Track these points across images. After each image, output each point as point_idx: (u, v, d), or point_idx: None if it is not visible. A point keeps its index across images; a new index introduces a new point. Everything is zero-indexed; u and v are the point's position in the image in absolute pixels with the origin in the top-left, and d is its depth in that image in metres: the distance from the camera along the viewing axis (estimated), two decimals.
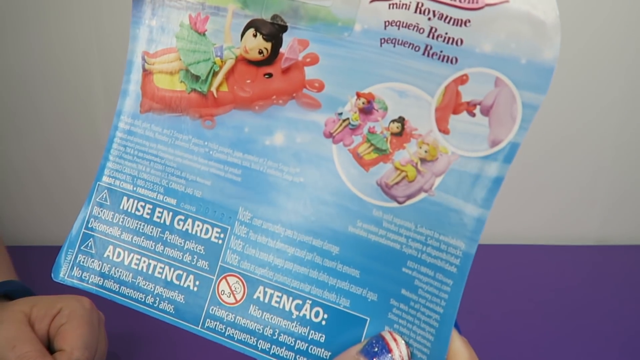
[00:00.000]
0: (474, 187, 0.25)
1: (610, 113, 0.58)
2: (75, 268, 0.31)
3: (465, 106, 0.25)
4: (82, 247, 0.32)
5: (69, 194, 0.57)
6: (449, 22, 0.24)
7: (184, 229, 0.30)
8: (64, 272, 0.32)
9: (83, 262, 0.31)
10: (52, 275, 0.32)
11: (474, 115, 0.24)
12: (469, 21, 0.24)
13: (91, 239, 0.32)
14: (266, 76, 0.29)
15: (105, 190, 0.32)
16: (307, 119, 0.28)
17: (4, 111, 0.55)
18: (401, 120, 0.26)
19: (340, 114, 0.27)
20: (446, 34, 0.24)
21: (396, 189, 0.27)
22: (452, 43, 0.24)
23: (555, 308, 0.50)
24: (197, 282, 0.30)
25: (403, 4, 0.25)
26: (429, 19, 0.25)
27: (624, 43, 0.55)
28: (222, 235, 0.30)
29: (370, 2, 0.26)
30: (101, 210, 0.32)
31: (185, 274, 0.30)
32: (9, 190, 0.57)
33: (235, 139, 0.30)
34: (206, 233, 0.30)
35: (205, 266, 0.30)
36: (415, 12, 0.25)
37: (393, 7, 0.25)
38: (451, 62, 0.25)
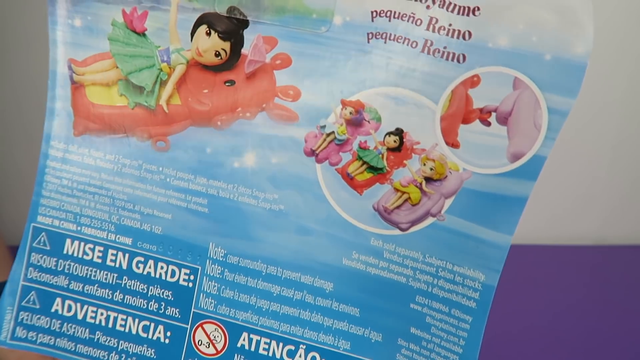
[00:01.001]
0: (493, 209, 0.21)
1: (610, 113, 0.56)
2: (18, 328, 0.26)
3: (478, 114, 0.20)
4: (22, 303, 0.26)
5: None
6: (452, 11, 0.19)
7: (145, 273, 0.25)
8: (5, 334, 0.26)
9: (26, 319, 0.26)
10: None
11: (488, 124, 0.20)
12: (478, 9, 0.19)
13: (33, 292, 0.26)
14: (227, 84, 0.24)
15: (43, 233, 0.26)
16: (283, 134, 0.23)
17: (4, 111, 0.51)
18: (399, 132, 0.21)
19: (323, 127, 0.22)
20: (450, 25, 0.20)
21: (397, 214, 0.22)
22: (457, 37, 0.20)
23: (555, 308, 0.49)
24: (169, 333, 0.25)
25: None
26: (428, 7, 0.20)
27: (624, 43, 0.53)
28: (192, 277, 0.25)
29: None
30: (41, 257, 0.26)
31: (152, 324, 0.26)
32: (9, 190, 0.54)
33: (196, 162, 0.24)
34: (172, 276, 0.25)
35: (175, 314, 0.25)
36: None
37: None
38: (458, 60, 0.20)
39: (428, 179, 0.21)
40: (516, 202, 0.20)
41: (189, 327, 0.25)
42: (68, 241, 0.26)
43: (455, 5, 0.19)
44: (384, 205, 0.22)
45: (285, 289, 0.24)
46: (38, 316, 0.26)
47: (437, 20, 0.20)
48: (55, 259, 0.26)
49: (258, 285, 0.25)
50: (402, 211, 0.22)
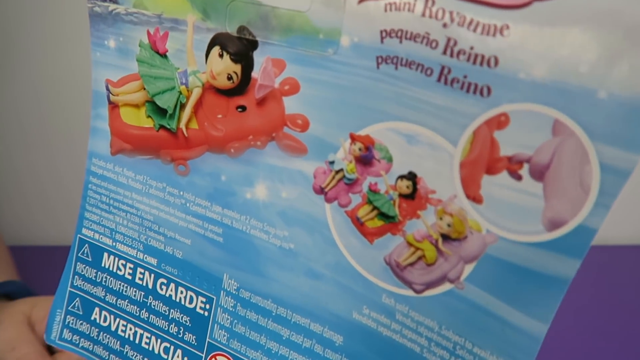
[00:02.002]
0: (523, 286, 0.16)
1: None
2: (65, 330, 0.28)
3: (506, 163, 0.15)
4: (69, 307, 0.28)
5: (70, 194, 0.55)
6: (475, 30, 0.15)
7: (167, 295, 0.25)
8: (55, 334, 0.28)
9: (72, 323, 0.28)
10: (45, 336, 0.29)
11: (519, 177, 0.15)
12: (507, 27, 0.14)
13: (77, 299, 0.28)
14: (239, 109, 0.22)
15: (86, 245, 0.27)
16: (292, 167, 0.21)
17: (5, 111, 0.54)
18: (412, 177, 0.18)
19: (332, 162, 0.19)
20: (471, 49, 0.15)
21: (410, 272, 0.18)
22: (481, 63, 0.15)
23: None
24: (186, 359, 0.25)
25: (405, 4, 0.16)
26: (445, 25, 0.15)
27: None
28: (207, 307, 0.24)
29: (360, 1, 0.17)
30: (84, 267, 0.27)
31: (172, 347, 0.25)
32: (9, 190, 0.57)
33: (212, 189, 0.23)
34: (190, 302, 0.25)
35: (192, 340, 0.25)
36: (424, 15, 0.16)
37: (391, 9, 0.16)
38: (481, 93, 0.15)
39: (445, 237, 0.17)
40: (554, 283, 0.15)
41: (203, 355, 0.25)
42: (105, 255, 0.27)
43: (478, 22, 0.15)
44: (396, 260, 0.19)
45: (294, 334, 0.22)
46: (81, 322, 0.28)
47: (455, 42, 0.15)
48: (95, 271, 0.27)
49: (268, 325, 0.23)
50: (415, 269, 0.18)
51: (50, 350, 0.33)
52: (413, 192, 0.18)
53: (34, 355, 0.30)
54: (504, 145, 0.15)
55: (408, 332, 0.19)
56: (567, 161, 0.14)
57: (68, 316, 0.28)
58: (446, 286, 0.18)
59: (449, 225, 0.17)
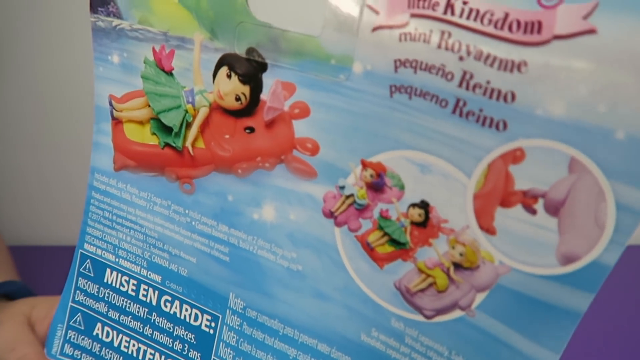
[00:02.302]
0: (535, 317, 0.16)
1: None
2: (66, 345, 0.28)
3: (521, 197, 0.16)
4: (71, 322, 0.28)
5: (69, 194, 0.56)
6: (492, 65, 0.15)
7: (171, 312, 0.25)
8: (56, 349, 0.28)
9: (73, 339, 0.28)
10: (46, 351, 0.28)
11: (534, 212, 0.15)
12: (525, 64, 0.14)
13: (79, 314, 0.27)
14: (247, 130, 0.22)
15: (88, 260, 0.27)
16: (301, 190, 0.21)
17: (5, 111, 0.53)
18: (424, 205, 0.18)
19: (342, 187, 0.19)
20: (488, 83, 0.15)
21: (421, 297, 0.19)
22: (497, 98, 0.15)
23: None
24: None
25: (421, 34, 0.16)
26: (461, 58, 0.15)
27: None
28: (212, 325, 0.24)
29: (373, 29, 0.17)
30: (86, 283, 0.27)
31: None
32: (9, 190, 0.57)
33: (219, 209, 0.23)
34: (195, 319, 0.25)
35: (197, 358, 0.25)
36: (440, 46, 0.16)
37: (406, 39, 0.16)
38: (497, 127, 0.15)
39: (457, 265, 0.17)
40: (567, 316, 0.16)
41: None
42: (108, 271, 0.27)
43: (495, 57, 0.15)
44: (407, 286, 0.19)
45: (301, 354, 0.22)
46: (83, 337, 0.27)
47: (472, 76, 0.15)
48: (97, 286, 0.27)
49: (275, 344, 0.23)
50: (426, 296, 0.18)
51: None
52: (425, 220, 0.18)
53: (34, 355, 0.30)
54: (519, 180, 0.15)
55: (417, 355, 0.19)
56: (583, 198, 0.14)
57: (69, 331, 0.28)
58: (457, 313, 0.18)
59: (461, 255, 0.17)
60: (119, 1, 0.23)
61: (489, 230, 0.16)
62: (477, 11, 0.15)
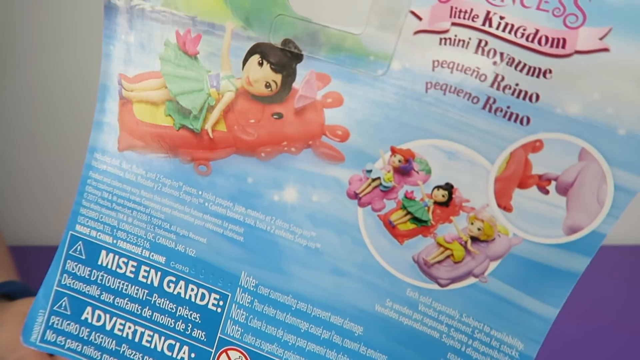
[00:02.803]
0: (541, 279, 0.20)
1: None
2: (48, 331, 0.27)
3: (536, 180, 0.19)
4: (54, 307, 0.27)
5: (69, 194, 0.54)
6: (521, 71, 0.18)
7: (175, 292, 0.25)
8: (36, 336, 0.27)
9: (57, 324, 0.27)
10: (22, 339, 0.27)
11: (547, 192, 0.19)
12: (550, 71, 0.18)
13: (65, 298, 0.27)
14: (275, 116, 0.23)
15: (80, 242, 0.26)
16: (326, 173, 0.22)
17: (5, 111, 0.51)
18: (449, 187, 0.21)
19: (370, 171, 0.22)
20: (517, 85, 0.18)
21: (438, 268, 0.21)
22: (524, 98, 0.18)
23: None
24: (193, 355, 0.25)
25: (460, 41, 0.19)
26: (495, 63, 0.19)
27: None
28: (221, 303, 0.25)
29: (415, 33, 0.20)
30: (76, 265, 0.26)
31: (178, 344, 0.26)
32: (9, 190, 0.55)
33: (236, 190, 0.24)
34: (202, 299, 0.25)
35: (201, 337, 0.25)
36: (476, 52, 0.19)
37: (445, 43, 0.19)
38: (521, 122, 0.19)
39: (474, 239, 0.20)
40: (567, 277, 0.19)
41: (213, 351, 0.25)
42: (103, 253, 0.26)
43: (525, 64, 0.18)
44: (425, 258, 0.21)
45: (313, 326, 0.24)
46: (68, 322, 0.27)
47: (503, 78, 0.19)
48: (89, 269, 0.26)
49: (286, 319, 0.24)
50: (442, 267, 0.21)
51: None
52: (448, 200, 0.21)
53: (34, 356, 0.29)
54: (536, 166, 0.19)
55: (429, 320, 0.22)
56: (588, 181, 0.18)
57: (52, 316, 0.27)
58: (470, 280, 0.21)
59: (479, 229, 0.20)
60: None
61: (506, 208, 0.20)
62: (512, 25, 0.18)
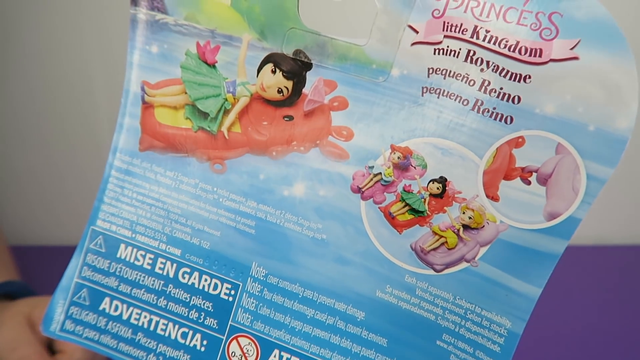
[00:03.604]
0: (525, 262, 0.22)
1: None
2: (67, 321, 0.28)
3: (520, 172, 0.22)
4: (74, 298, 0.28)
5: (69, 195, 0.56)
6: (505, 76, 0.21)
7: (189, 283, 0.27)
8: (55, 326, 0.28)
9: (76, 314, 0.28)
10: (42, 328, 0.28)
11: (529, 183, 0.22)
12: (530, 77, 0.21)
13: (84, 290, 0.28)
14: (286, 119, 0.26)
15: (100, 236, 0.28)
16: (332, 170, 0.25)
17: (5, 111, 0.52)
18: (442, 180, 0.23)
19: (372, 167, 0.24)
20: (501, 89, 0.21)
21: (433, 255, 0.24)
22: (507, 100, 0.21)
23: (553, 308, 0.49)
24: (205, 342, 0.27)
25: (451, 51, 0.22)
26: (482, 70, 0.21)
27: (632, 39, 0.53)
28: (232, 292, 0.27)
29: (412, 44, 0.22)
30: (96, 258, 0.28)
31: (191, 332, 0.27)
32: (9, 190, 0.55)
33: (249, 186, 0.26)
34: (215, 289, 0.27)
35: (213, 325, 0.27)
36: (466, 60, 0.22)
37: (439, 53, 0.22)
38: (505, 121, 0.21)
39: (466, 227, 0.23)
40: (548, 258, 0.22)
41: (224, 338, 0.27)
42: (122, 246, 0.28)
43: (508, 71, 0.21)
44: (421, 246, 0.24)
45: (319, 312, 0.26)
46: (87, 312, 0.28)
47: (489, 83, 0.21)
48: (108, 261, 0.28)
49: (294, 306, 0.26)
50: (438, 253, 0.24)
51: (51, 351, 0.32)
52: (442, 192, 0.23)
53: (34, 356, 0.30)
54: (519, 159, 0.21)
55: (425, 304, 0.24)
56: (564, 172, 0.21)
57: (72, 307, 0.28)
58: (463, 265, 0.23)
59: (470, 218, 0.23)
60: None
61: (493, 198, 0.22)
62: (497, 38, 0.21)
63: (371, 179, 0.24)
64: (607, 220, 0.62)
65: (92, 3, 0.48)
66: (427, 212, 0.23)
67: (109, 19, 0.49)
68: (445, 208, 0.23)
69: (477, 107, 0.22)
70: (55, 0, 0.48)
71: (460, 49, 0.22)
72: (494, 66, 0.21)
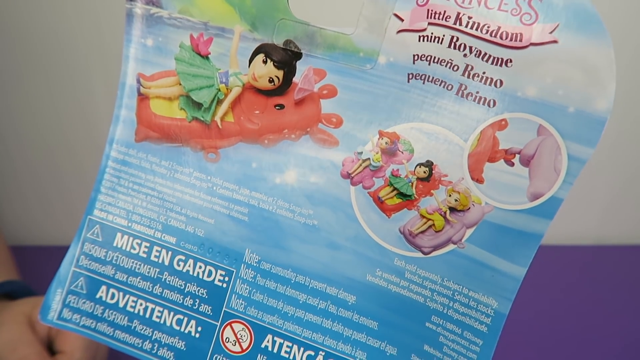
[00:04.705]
0: (510, 242, 0.23)
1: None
2: (64, 310, 0.29)
3: (503, 154, 0.22)
4: (71, 287, 0.29)
5: (69, 194, 0.56)
6: (487, 61, 0.22)
7: (184, 270, 0.28)
8: (53, 314, 0.29)
9: (73, 302, 0.29)
10: (40, 317, 0.29)
11: (512, 164, 0.22)
12: (511, 61, 0.21)
13: (81, 278, 0.29)
14: (277, 107, 0.26)
15: (97, 226, 0.29)
16: (323, 157, 0.25)
17: (5, 111, 0.52)
18: (429, 164, 0.24)
19: (360, 153, 0.25)
20: (484, 73, 0.22)
21: (421, 238, 0.24)
22: (490, 84, 0.22)
23: (553, 308, 0.49)
24: (200, 328, 0.28)
25: (435, 37, 0.22)
26: (465, 55, 0.22)
27: (623, 40, 0.53)
28: (226, 279, 0.27)
29: (398, 32, 0.23)
30: (92, 247, 0.29)
31: (186, 318, 0.28)
32: (9, 190, 0.56)
33: (242, 174, 0.27)
34: (209, 275, 0.28)
35: (208, 311, 0.28)
36: (450, 46, 0.22)
37: (424, 40, 0.23)
38: (488, 104, 0.22)
39: (452, 209, 0.23)
40: (532, 238, 0.22)
41: (218, 324, 0.28)
42: (118, 235, 0.29)
43: (490, 56, 0.22)
44: (410, 229, 0.24)
45: (311, 297, 0.26)
46: (84, 300, 0.29)
47: (472, 68, 0.22)
48: (105, 250, 0.29)
49: (286, 292, 0.27)
50: (425, 236, 0.24)
51: (51, 351, 0.33)
52: (429, 176, 0.24)
53: (34, 356, 0.30)
54: (502, 142, 0.22)
55: (414, 286, 0.25)
56: (546, 153, 0.21)
57: (69, 295, 0.29)
58: (450, 247, 0.24)
59: (456, 200, 0.23)
60: None
61: (478, 180, 0.23)
62: (478, 24, 0.22)
63: (360, 165, 0.25)
64: (607, 220, 0.62)
65: (91, 2, 0.49)
66: (415, 195, 0.24)
67: (108, 17, 0.49)
68: (432, 191, 0.24)
69: (461, 91, 0.22)
70: (54, 1, 0.48)
71: (444, 36, 0.22)
72: (477, 51, 0.22)
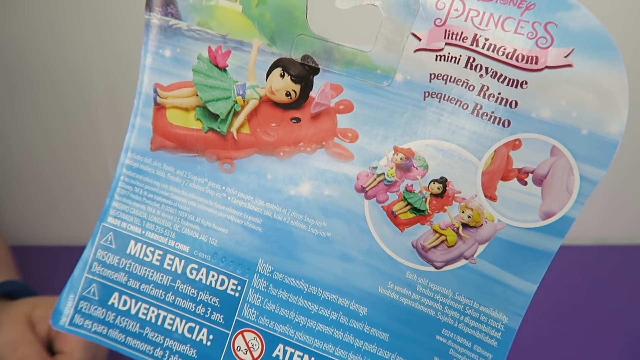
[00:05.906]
0: (522, 259, 0.23)
1: None
2: (76, 315, 0.29)
3: (516, 173, 0.23)
4: (84, 293, 0.29)
5: (70, 195, 0.56)
6: (503, 82, 0.22)
7: (197, 279, 0.28)
8: (65, 320, 0.29)
9: (85, 309, 0.29)
10: (52, 322, 0.29)
11: (525, 183, 0.23)
12: (526, 83, 0.22)
13: (94, 285, 0.29)
14: (293, 120, 0.27)
15: (111, 233, 0.29)
16: (337, 170, 0.26)
17: (5, 111, 0.52)
18: (443, 180, 0.24)
19: (375, 167, 0.25)
20: (499, 94, 0.22)
21: (434, 252, 0.25)
22: (505, 104, 0.22)
23: (553, 308, 0.49)
24: (211, 337, 0.28)
25: (452, 57, 0.23)
26: (481, 75, 0.23)
27: (622, 40, 0.54)
28: (239, 288, 0.28)
29: (415, 51, 0.24)
30: (106, 254, 0.29)
31: (198, 326, 0.28)
32: (9, 190, 0.56)
33: (257, 185, 0.27)
34: (222, 284, 0.28)
35: (220, 319, 0.28)
36: (466, 67, 0.23)
37: (441, 59, 0.23)
38: (503, 124, 0.23)
39: (465, 225, 0.24)
40: (543, 255, 0.23)
41: (230, 332, 0.28)
42: (132, 242, 0.29)
43: (505, 77, 0.22)
44: (422, 244, 0.25)
45: (322, 308, 0.27)
46: (95, 307, 0.29)
47: (488, 88, 0.22)
48: (118, 257, 0.29)
49: (298, 302, 0.27)
50: (438, 251, 0.25)
51: (51, 351, 0.33)
52: (442, 192, 0.24)
53: (34, 356, 0.30)
54: (516, 161, 0.23)
55: (426, 300, 0.25)
56: (559, 173, 0.22)
57: (81, 302, 0.29)
58: (462, 262, 0.24)
59: (469, 217, 0.24)
60: (179, 5, 0.27)
61: (491, 197, 0.23)
62: (495, 46, 0.22)
63: (375, 179, 0.25)
64: (607, 220, 0.63)
65: (92, 2, 0.49)
66: (428, 211, 0.25)
67: (110, 17, 0.49)
68: (445, 207, 0.24)
69: (476, 110, 0.23)
70: (57, 2, 0.48)
71: (460, 56, 0.23)
72: (493, 72, 0.22)
